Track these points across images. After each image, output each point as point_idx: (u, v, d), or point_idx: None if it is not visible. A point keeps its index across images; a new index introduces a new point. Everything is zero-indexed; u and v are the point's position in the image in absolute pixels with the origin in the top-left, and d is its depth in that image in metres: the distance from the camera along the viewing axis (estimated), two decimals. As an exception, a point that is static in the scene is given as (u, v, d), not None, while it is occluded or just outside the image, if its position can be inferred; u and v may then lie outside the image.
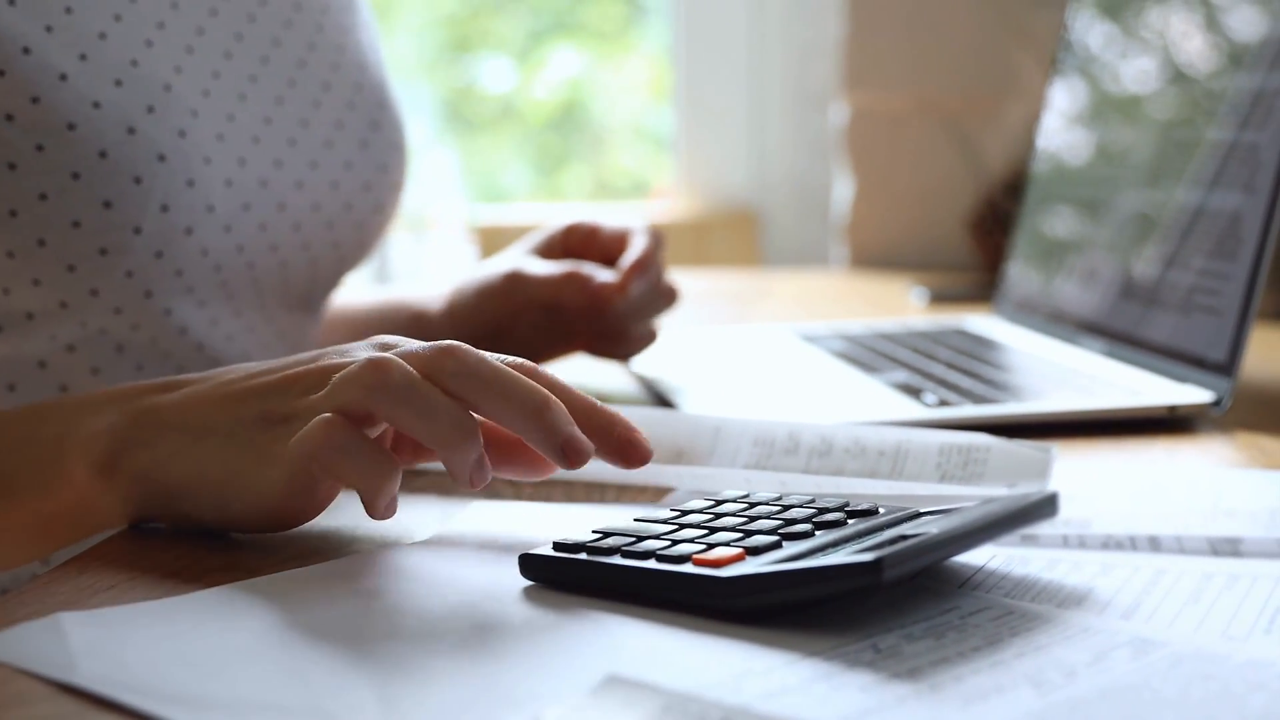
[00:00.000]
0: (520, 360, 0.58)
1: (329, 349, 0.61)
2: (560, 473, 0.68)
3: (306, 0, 0.86)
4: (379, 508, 0.55)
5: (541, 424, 0.55)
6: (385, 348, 0.60)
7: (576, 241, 0.94)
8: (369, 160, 0.87)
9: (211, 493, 0.58)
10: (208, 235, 0.77)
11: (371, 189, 0.88)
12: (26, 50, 0.70)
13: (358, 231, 0.88)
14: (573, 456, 0.56)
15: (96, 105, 0.72)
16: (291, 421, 0.57)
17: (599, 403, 0.58)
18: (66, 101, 0.71)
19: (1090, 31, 1.13)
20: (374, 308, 1.02)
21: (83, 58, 0.72)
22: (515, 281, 0.91)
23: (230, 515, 0.58)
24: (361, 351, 0.60)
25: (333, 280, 0.90)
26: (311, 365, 0.59)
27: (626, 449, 0.57)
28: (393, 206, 0.91)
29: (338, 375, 0.56)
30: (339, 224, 0.86)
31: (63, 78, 0.71)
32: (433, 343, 0.57)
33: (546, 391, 0.56)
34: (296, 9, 0.85)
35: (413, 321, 0.97)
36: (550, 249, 0.95)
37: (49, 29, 0.71)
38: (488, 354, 0.57)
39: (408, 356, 0.56)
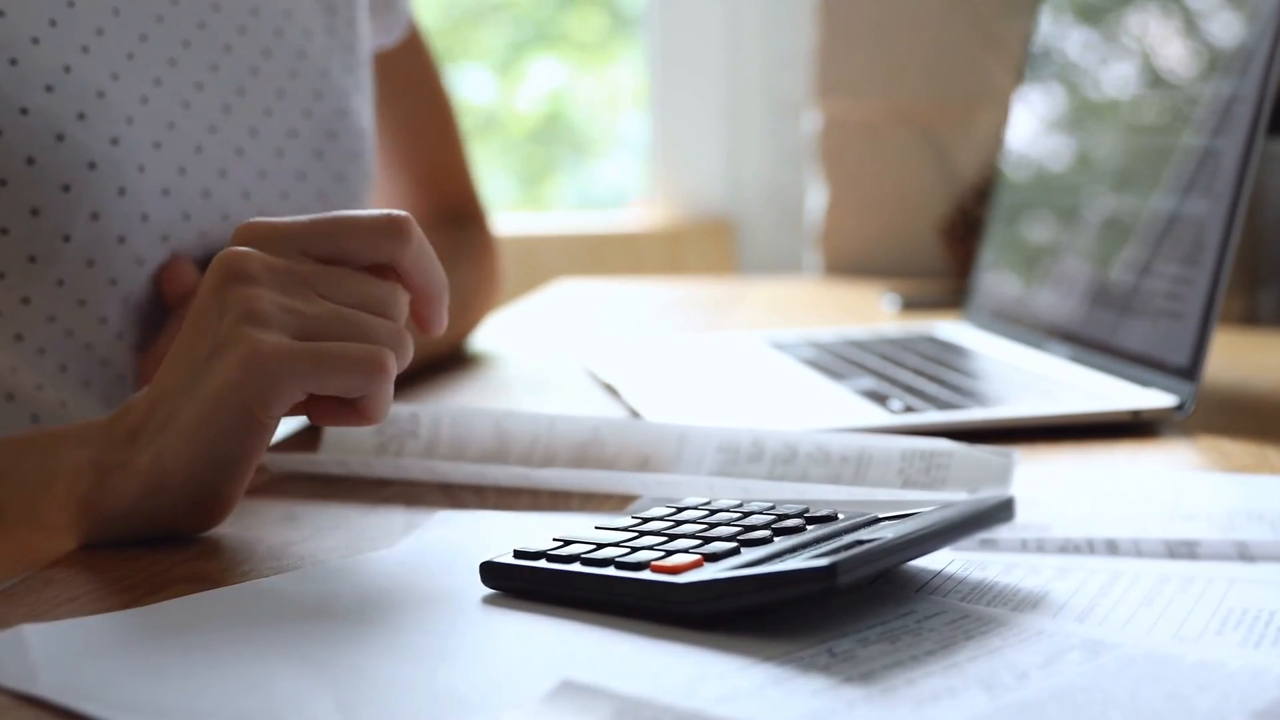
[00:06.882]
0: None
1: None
2: (525, 481, 0.69)
3: (266, 4, 0.84)
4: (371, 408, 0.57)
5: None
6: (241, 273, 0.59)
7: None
8: (324, 170, 0.86)
9: (199, 435, 0.57)
10: (142, 244, 0.77)
11: (327, 199, 0.87)
12: None
13: None
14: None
15: (24, 111, 0.71)
16: (225, 347, 0.56)
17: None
18: None
19: (1062, 37, 1.14)
20: None
21: (13, 62, 0.71)
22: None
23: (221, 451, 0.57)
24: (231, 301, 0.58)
25: None
26: (224, 294, 0.58)
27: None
28: None
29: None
30: None
31: None
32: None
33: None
34: (253, 14, 0.83)
35: None
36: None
37: None
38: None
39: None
